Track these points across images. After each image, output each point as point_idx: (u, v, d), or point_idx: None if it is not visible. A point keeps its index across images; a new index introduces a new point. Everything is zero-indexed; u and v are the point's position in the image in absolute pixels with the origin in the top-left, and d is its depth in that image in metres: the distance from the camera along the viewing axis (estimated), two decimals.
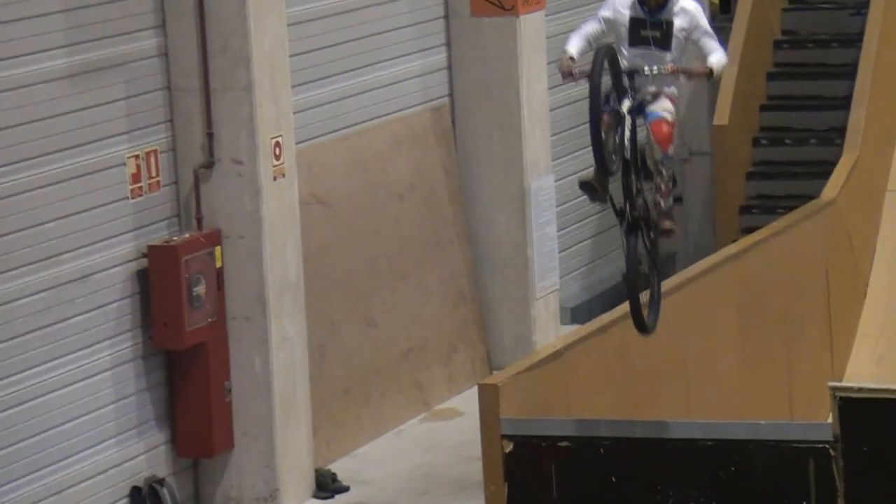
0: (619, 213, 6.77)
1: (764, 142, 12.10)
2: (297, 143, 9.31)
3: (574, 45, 6.98)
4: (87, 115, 8.48)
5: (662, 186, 6.90)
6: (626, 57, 6.94)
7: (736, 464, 7.07)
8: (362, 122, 10.27)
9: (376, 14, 10.29)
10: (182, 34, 8.86)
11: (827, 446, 6.91)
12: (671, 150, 6.89)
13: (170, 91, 8.92)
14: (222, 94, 8.92)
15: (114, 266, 8.62)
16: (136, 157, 8.75)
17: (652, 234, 6.93)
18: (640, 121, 6.93)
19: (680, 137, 12.74)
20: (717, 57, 6.96)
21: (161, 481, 8.66)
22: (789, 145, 12.05)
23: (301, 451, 9.13)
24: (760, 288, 9.54)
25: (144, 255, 8.71)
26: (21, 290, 8.16)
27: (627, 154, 6.81)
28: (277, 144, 9.06)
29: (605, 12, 7.02)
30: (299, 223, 9.23)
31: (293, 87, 9.30)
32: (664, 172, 6.89)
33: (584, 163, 12.32)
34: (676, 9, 6.94)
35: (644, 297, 7.02)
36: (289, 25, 9.24)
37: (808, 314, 10.00)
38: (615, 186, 6.92)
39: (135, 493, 8.59)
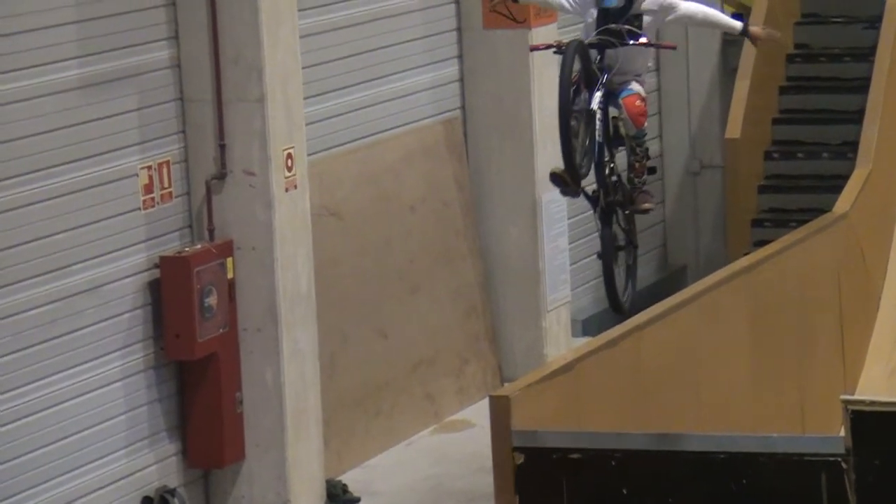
0: (592, 200, 6.70)
1: (776, 155, 12.09)
2: (308, 155, 9.32)
3: None
4: (99, 126, 8.50)
5: (636, 164, 6.78)
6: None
7: (747, 477, 7.05)
8: (374, 134, 10.28)
9: (388, 26, 10.31)
10: (195, 45, 8.88)
11: (839, 459, 6.89)
12: (645, 125, 6.74)
13: (182, 102, 8.94)
14: (235, 106, 8.93)
15: (125, 277, 8.63)
16: (149, 168, 8.76)
17: (627, 212, 6.84)
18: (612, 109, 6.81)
19: (692, 149, 12.80)
20: (714, 14, 6.77)
21: (172, 492, 8.66)
22: (801, 159, 12.04)
23: (312, 462, 9.13)
24: (772, 301, 9.53)
25: (156, 266, 8.72)
26: (32, 300, 8.17)
27: (604, 153, 6.71)
28: (289, 156, 9.08)
29: None
30: (311, 235, 9.24)
31: (305, 98, 9.32)
32: (638, 150, 6.76)
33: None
34: (645, 5, 6.73)
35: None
36: (301, 37, 9.26)
37: (821, 327, 9.98)
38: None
39: (146, 503, 8.59)
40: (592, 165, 6.61)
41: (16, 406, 8.06)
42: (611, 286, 6.64)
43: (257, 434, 8.96)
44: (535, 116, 10.78)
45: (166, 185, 8.85)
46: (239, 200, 8.96)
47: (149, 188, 8.75)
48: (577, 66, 6.54)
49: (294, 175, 9.09)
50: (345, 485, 9.31)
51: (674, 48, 6.99)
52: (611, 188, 6.67)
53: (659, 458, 7.16)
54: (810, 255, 9.98)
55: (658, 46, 6.78)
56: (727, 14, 6.93)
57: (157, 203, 8.79)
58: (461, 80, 10.89)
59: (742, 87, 11.73)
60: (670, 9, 6.75)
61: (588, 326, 11.38)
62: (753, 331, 9.32)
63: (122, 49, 8.58)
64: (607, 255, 6.61)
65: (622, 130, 6.71)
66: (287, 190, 9.05)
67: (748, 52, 11.78)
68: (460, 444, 9.86)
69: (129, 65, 8.64)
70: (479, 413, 9.85)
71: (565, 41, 6.79)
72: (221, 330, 8.79)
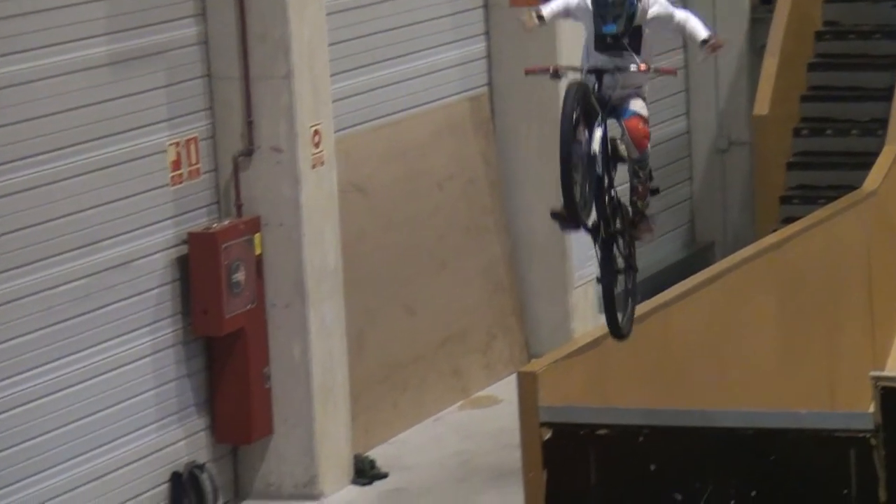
0: (593, 231, 6.53)
1: (805, 132, 12.02)
2: (336, 132, 9.32)
3: (547, 11, 6.50)
4: (127, 102, 8.52)
5: (640, 187, 6.60)
6: (592, 59, 6.51)
7: (776, 453, 7.04)
8: (401, 110, 10.27)
9: (415, 3, 10.29)
10: (222, 23, 8.88)
11: (868, 435, 6.87)
12: (648, 147, 6.54)
13: (210, 79, 8.95)
14: (262, 83, 8.94)
15: (154, 253, 8.65)
16: (177, 144, 8.78)
17: (628, 239, 6.59)
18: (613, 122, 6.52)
19: (719, 126, 12.74)
20: (698, 26, 6.51)
21: (201, 467, 8.70)
22: (830, 136, 11.98)
23: (340, 437, 9.15)
24: (801, 278, 9.49)
25: (184, 242, 8.75)
26: (62, 276, 8.20)
27: (608, 209, 6.44)
28: (316, 132, 9.08)
29: (571, 3, 6.55)
30: (338, 211, 9.25)
31: (332, 75, 9.32)
32: (640, 173, 6.58)
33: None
34: (647, 18, 6.47)
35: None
36: (328, 14, 9.25)
37: (850, 304, 9.94)
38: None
39: (175, 478, 8.63)
40: (594, 203, 6.43)
41: (47, 381, 8.11)
42: (611, 311, 6.52)
43: (285, 410, 8.99)
44: (561, 91, 10.73)
45: (194, 161, 8.86)
46: (266, 177, 8.97)
47: (177, 164, 8.77)
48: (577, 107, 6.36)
49: (321, 151, 9.10)
50: (373, 460, 9.33)
51: (674, 74, 6.68)
52: (611, 218, 6.52)
53: (686, 435, 7.16)
54: (839, 232, 9.94)
55: (658, 73, 6.50)
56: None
57: (185, 179, 8.82)
58: (488, 56, 10.87)
59: (770, 64, 11.67)
60: (668, 19, 6.53)
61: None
62: (782, 307, 9.29)
63: (150, 26, 8.59)
64: (608, 281, 6.48)
65: (621, 151, 6.52)
66: (314, 166, 9.05)
67: (777, 29, 11.72)
68: (488, 420, 9.87)
69: (157, 42, 8.65)
70: (506, 389, 9.86)
71: (563, 65, 6.57)
72: (249, 306, 8.81)
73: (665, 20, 6.54)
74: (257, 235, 8.93)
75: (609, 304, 6.56)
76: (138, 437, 8.50)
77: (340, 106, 9.58)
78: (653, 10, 6.49)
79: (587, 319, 10.85)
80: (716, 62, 12.61)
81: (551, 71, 6.52)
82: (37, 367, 8.05)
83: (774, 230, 10.42)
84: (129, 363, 8.49)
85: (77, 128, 8.27)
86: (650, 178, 6.67)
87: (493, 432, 9.60)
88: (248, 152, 8.95)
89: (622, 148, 6.52)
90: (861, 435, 6.88)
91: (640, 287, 8.53)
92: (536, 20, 6.51)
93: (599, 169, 6.39)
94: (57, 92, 8.17)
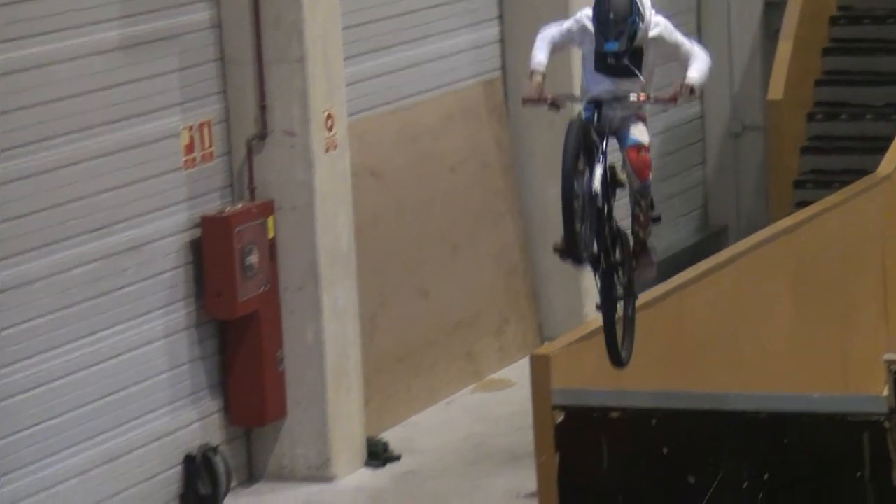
0: (593, 261, 6.38)
1: (819, 116, 12.00)
2: (349, 116, 9.32)
3: (542, 54, 6.23)
4: (141, 86, 8.53)
5: (641, 216, 6.48)
6: (591, 81, 6.35)
7: (789, 436, 7.03)
8: (414, 94, 10.27)
9: None
10: (236, 6, 8.88)
11: (882, 419, 6.86)
12: (650, 177, 6.40)
13: (223, 63, 8.96)
14: (275, 66, 8.94)
15: (167, 236, 8.67)
16: (190, 128, 8.79)
17: (627, 269, 6.48)
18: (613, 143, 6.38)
19: (733, 110, 12.69)
20: (697, 67, 6.32)
21: (214, 449, 8.72)
22: (845, 120, 11.95)
23: (353, 420, 9.17)
24: (815, 262, 9.48)
25: (198, 226, 8.76)
26: (75, 259, 8.22)
27: (607, 244, 6.33)
28: (329, 116, 9.08)
29: (572, 27, 6.34)
30: (351, 194, 9.26)
31: (346, 59, 9.31)
32: (642, 202, 6.46)
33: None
34: (648, 38, 6.26)
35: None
36: None
37: (863, 288, 9.93)
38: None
39: (188, 461, 8.65)
40: (595, 239, 6.36)
41: (60, 363, 8.13)
42: (611, 339, 6.48)
43: (298, 392, 9.00)
44: (574, 76, 10.71)
45: (207, 145, 8.87)
46: (279, 160, 8.98)
47: (190, 148, 8.78)
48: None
49: (334, 135, 9.10)
50: (385, 443, 9.34)
51: (674, 103, 6.35)
52: (611, 249, 6.41)
53: (699, 418, 7.15)
54: (853, 216, 9.92)
55: (658, 102, 6.30)
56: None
57: (199, 163, 8.82)
58: (501, 41, 10.85)
59: (785, 48, 11.64)
60: (672, 47, 6.32)
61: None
62: (795, 291, 9.28)
63: (164, 10, 8.60)
64: (608, 310, 6.43)
65: (621, 178, 6.37)
66: (327, 150, 9.06)
67: (791, 14, 11.69)
68: (501, 403, 9.88)
69: (170, 25, 8.65)
70: (519, 372, 9.87)
71: (561, 95, 6.35)
72: (262, 289, 8.82)
73: (668, 46, 6.36)
74: (270, 219, 8.94)
75: (609, 332, 6.51)
76: (151, 420, 8.53)
77: (354, 90, 9.57)
78: (654, 31, 6.33)
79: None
80: (730, 48, 12.57)
81: (549, 101, 6.34)
82: (50, 349, 8.08)
83: (788, 214, 10.41)
84: (143, 346, 8.51)
85: (90, 111, 8.28)
86: (652, 206, 6.56)
87: (505, 415, 9.61)
88: (262, 136, 8.96)
89: (622, 176, 6.43)
90: (875, 418, 6.87)
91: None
92: (541, 81, 6.28)
93: (600, 204, 6.28)
94: (70, 75, 8.18)
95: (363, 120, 9.80)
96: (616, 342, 6.50)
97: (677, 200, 12.46)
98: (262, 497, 8.85)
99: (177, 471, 8.62)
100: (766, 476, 7.04)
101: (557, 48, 6.42)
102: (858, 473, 6.93)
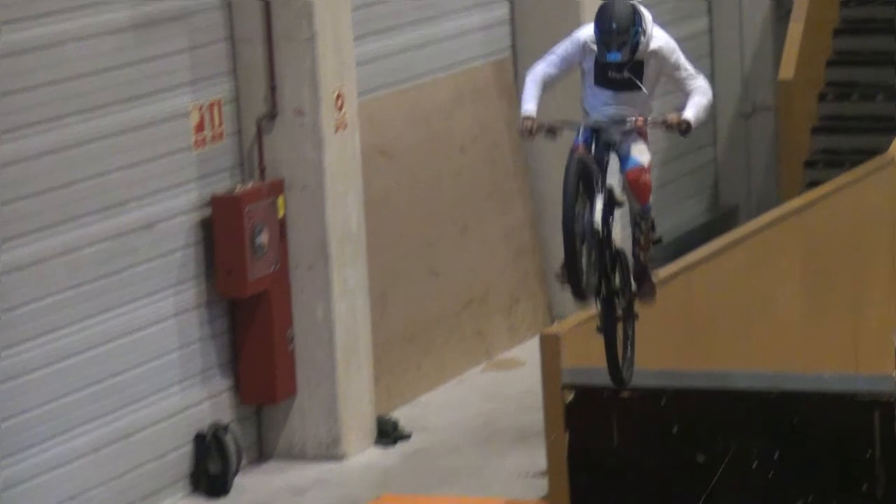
0: (596, 290, 6.36)
1: (829, 97, 11.98)
2: (359, 96, 9.32)
3: (532, 102, 6.33)
4: (151, 65, 8.53)
5: (641, 240, 6.49)
6: (591, 96, 6.38)
7: (799, 416, 7.04)
8: (424, 74, 10.26)
9: None
10: None
11: (891, 399, 6.87)
12: (650, 200, 6.42)
13: (233, 42, 8.95)
14: (285, 46, 8.94)
15: (178, 215, 8.68)
16: (200, 107, 8.79)
17: (627, 291, 6.47)
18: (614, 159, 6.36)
19: (744, 90, 12.65)
20: (695, 104, 6.32)
21: (225, 428, 8.74)
22: (855, 101, 11.93)
23: (363, 398, 9.19)
24: (825, 241, 9.47)
25: (208, 205, 8.77)
26: (87, 238, 8.24)
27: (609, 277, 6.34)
28: (339, 96, 9.08)
29: (568, 48, 6.35)
30: (361, 174, 9.26)
31: (356, 39, 9.30)
32: (643, 224, 6.47)
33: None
34: (648, 50, 6.26)
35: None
36: None
37: (874, 268, 9.92)
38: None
39: (199, 439, 8.67)
40: (596, 269, 6.34)
41: (71, 341, 8.14)
42: (613, 360, 6.48)
43: (308, 371, 9.02)
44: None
45: (217, 124, 8.87)
46: (289, 140, 8.98)
47: (200, 127, 8.78)
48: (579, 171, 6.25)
49: (344, 115, 9.09)
50: (396, 422, 9.36)
51: (675, 131, 6.29)
52: (611, 273, 6.37)
53: (709, 397, 7.17)
54: (864, 196, 9.91)
55: (655, 125, 6.29)
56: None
57: (209, 142, 8.83)
58: (511, 20, 10.83)
59: (796, 28, 11.62)
60: (672, 67, 6.31)
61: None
62: (805, 271, 9.28)
63: None
64: (609, 331, 6.44)
65: (619, 198, 6.32)
66: (337, 130, 9.06)
67: None
68: (511, 382, 9.89)
69: (180, 5, 8.65)
70: (529, 351, 9.87)
71: (558, 122, 6.39)
72: (272, 268, 8.83)
73: (668, 64, 6.34)
74: (281, 198, 8.94)
75: (610, 353, 6.52)
76: (162, 398, 8.54)
77: (364, 70, 9.57)
78: (654, 44, 6.32)
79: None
80: (741, 28, 12.54)
81: (546, 128, 6.38)
82: (62, 327, 8.09)
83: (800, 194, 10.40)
84: (154, 324, 8.52)
85: (101, 91, 8.28)
86: (653, 228, 6.55)
87: (515, 394, 9.62)
88: (272, 115, 8.96)
89: (622, 197, 6.37)
90: (885, 398, 6.87)
91: (665, 250, 8.44)
92: (531, 123, 6.34)
93: (601, 237, 6.27)
94: (81, 55, 8.18)
95: (373, 100, 9.79)
96: (617, 362, 6.52)
97: (688, 180, 12.45)
98: (272, 475, 8.87)
99: (187, 449, 8.64)
100: (775, 455, 7.05)
101: (551, 81, 6.47)
102: (868, 452, 6.95)
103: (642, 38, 6.26)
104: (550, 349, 7.33)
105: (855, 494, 6.96)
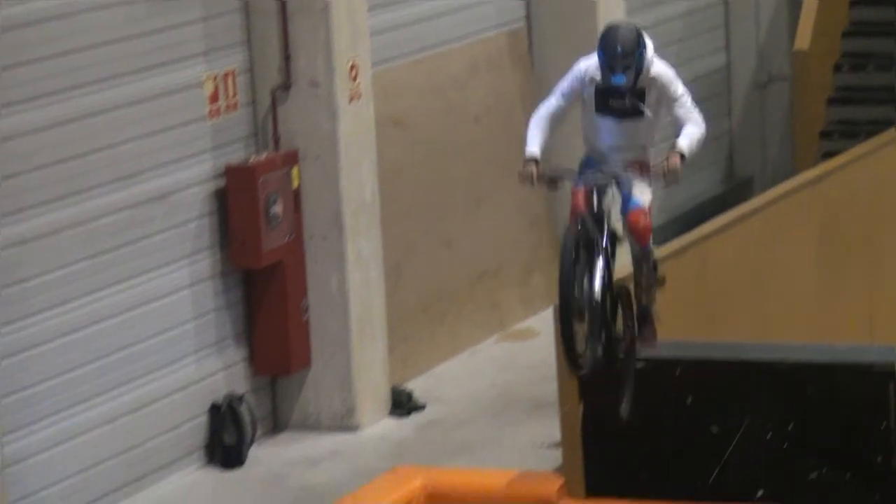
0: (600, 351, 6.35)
1: (845, 67, 11.93)
2: (373, 66, 9.29)
3: (536, 144, 6.33)
4: (165, 35, 8.51)
5: (643, 281, 6.49)
6: (593, 129, 6.37)
7: (814, 386, 7.03)
8: (438, 45, 10.23)
9: None
10: None
11: None
12: (651, 241, 6.42)
13: (247, 13, 8.93)
14: (299, 16, 8.91)
15: (192, 185, 8.68)
16: (215, 77, 8.78)
17: (629, 335, 6.46)
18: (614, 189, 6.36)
19: (759, 61, 12.60)
20: (688, 133, 6.31)
21: (240, 398, 8.75)
22: (871, 71, 11.88)
23: (377, 369, 9.20)
24: (840, 212, 9.44)
25: (222, 175, 8.76)
26: (101, 208, 8.24)
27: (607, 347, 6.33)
28: (353, 66, 9.06)
29: (570, 84, 6.40)
30: (375, 144, 9.24)
31: (369, 9, 9.27)
32: (644, 266, 6.47)
33: None
34: (649, 76, 6.26)
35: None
36: None
37: (889, 238, 9.88)
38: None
39: (213, 410, 8.69)
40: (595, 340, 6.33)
41: (86, 312, 8.15)
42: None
43: (323, 341, 9.03)
44: (599, 26, 10.66)
45: (232, 94, 8.86)
46: (303, 110, 8.97)
47: (214, 98, 8.77)
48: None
49: (358, 85, 9.08)
50: (410, 392, 9.37)
51: (676, 181, 6.31)
52: (612, 323, 6.35)
53: (724, 368, 7.15)
54: (879, 166, 9.87)
55: (658, 176, 6.27)
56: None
57: (223, 113, 8.82)
58: None
59: (811, 0, 11.57)
60: (670, 98, 6.31)
61: (654, 236, 11.31)
62: (821, 241, 9.25)
63: None
64: (608, 366, 6.46)
65: (618, 233, 6.33)
66: (351, 100, 9.04)
67: None
68: (525, 353, 9.90)
69: None
70: (543, 322, 9.87)
71: (558, 171, 6.39)
72: (287, 238, 8.83)
73: (668, 94, 6.31)
74: (295, 168, 8.94)
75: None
76: (177, 369, 8.55)
77: (378, 40, 9.54)
78: (655, 70, 6.30)
79: (624, 254, 10.80)
80: None
81: (548, 178, 6.36)
82: (76, 298, 8.10)
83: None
84: (168, 295, 8.53)
85: (115, 61, 8.27)
86: (655, 268, 6.50)
87: (530, 365, 9.62)
88: (286, 86, 8.95)
89: (620, 232, 6.33)
90: None
91: (679, 221, 8.42)
92: (535, 167, 6.30)
93: (601, 308, 6.22)
94: (95, 25, 8.16)
95: (387, 70, 9.77)
96: (618, 398, 6.50)
97: (703, 151, 12.35)
98: (286, 446, 8.89)
99: (202, 420, 8.66)
100: (790, 426, 7.04)
101: (557, 119, 6.46)
102: (884, 424, 6.93)
103: (645, 63, 6.24)
104: None
105: (869, 466, 6.95)
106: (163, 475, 8.38)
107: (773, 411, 7.06)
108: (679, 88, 6.39)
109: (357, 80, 9.08)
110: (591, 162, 6.50)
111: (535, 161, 6.37)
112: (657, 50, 6.47)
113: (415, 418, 9.19)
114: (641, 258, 6.48)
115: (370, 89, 9.18)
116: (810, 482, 6.96)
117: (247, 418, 8.69)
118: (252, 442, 8.73)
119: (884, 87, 11.81)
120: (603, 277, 6.27)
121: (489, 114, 10.50)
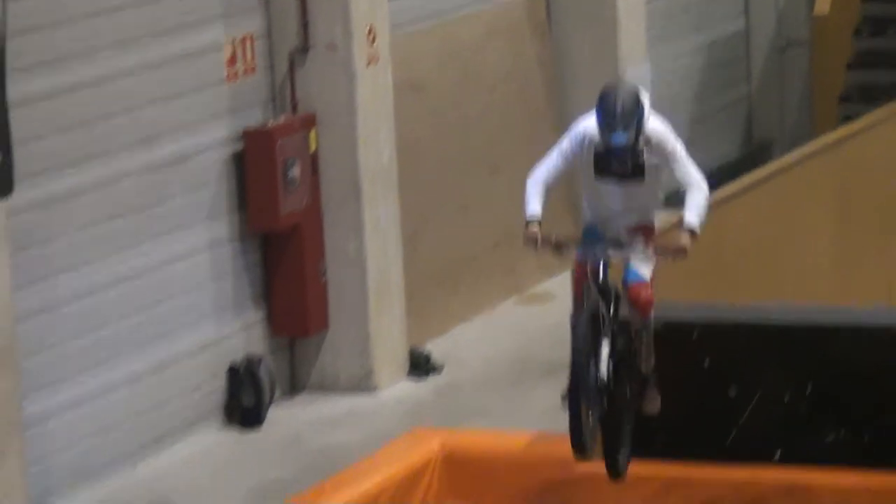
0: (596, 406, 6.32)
1: (864, 32, 11.88)
2: (390, 31, 9.28)
3: (536, 204, 6.29)
4: (184, 0, 8.51)
5: (643, 351, 6.46)
6: (593, 196, 6.32)
7: (832, 349, 7.03)
8: (456, 10, 10.21)
9: None
10: None
11: None
12: (652, 315, 6.37)
13: None
14: None
15: (210, 149, 8.69)
16: (233, 41, 8.78)
17: (628, 388, 6.44)
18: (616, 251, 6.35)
19: (778, 25, 12.56)
20: (693, 205, 6.23)
21: (258, 360, 8.79)
22: (891, 36, 11.83)
23: (395, 333, 9.22)
24: (859, 177, 9.42)
25: (240, 139, 8.78)
26: (121, 171, 8.26)
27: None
28: (371, 31, 9.05)
29: (569, 146, 6.32)
30: (392, 110, 9.24)
31: None
32: (644, 337, 6.43)
33: (681, 52, 12.15)
34: (647, 133, 6.18)
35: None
36: None
37: None
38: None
39: (232, 372, 8.73)
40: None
41: (106, 275, 8.19)
42: (610, 451, 6.52)
43: (341, 304, 9.05)
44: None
45: (250, 58, 8.87)
46: (321, 75, 8.97)
47: (232, 62, 8.78)
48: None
49: (376, 49, 9.07)
50: (428, 355, 9.39)
51: (683, 256, 6.22)
52: (613, 388, 6.35)
53: (742, 330, 7.15)
54: None
55: (665, 253, 6.24)
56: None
57: (241, 76, 8.82)
58: None
59: None
60: (667, 158, 6.22)
61: (669, 201, 11.31)
62: (839, 207, 9.23)
63: None
64: (608, 420, 6.43)
65: (619, 294, 6.32)
66: (369, 64, 9.04)
67: None
68: (542, 316, 9.91)
69: None
70: (560, 286, 9.86)
71: (565, 238, 6.35)
72: (304, 202, 8.85)
73: (665, 152, 6.22)
74: (312, 132, 8.95)
75: (609, 445, 6.49)
76: (196, 331, 8.59)
77: (395, 5, 9.52)
78: (652, 126, 6.21)
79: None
80: None
81: (553, 243, 6.31)
82: (96, 260, 8.14)
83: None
84: (187, 257, 8.56)
85: (134, 24, 8.28)
86: (653, 342, 6.50)
87: (547, 328, 9.63)
88: (304, 50, 8.95)
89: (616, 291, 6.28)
90: None
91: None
92: (538, 229, 6.26)
93: (609, 387, 6.19)
94: None
95: (405, 35, 9.76)
96: (616, 456, 6.46)
97: (722, 115, 12.38)
98: (305, 408, 8.93)
99: (221, 381, 8.70)
100: (808, 389, 7.04)
101: (555, 181, 6.41)
102: None
103: (645, 122, 6.15)
104: None
105: (887, 428, 6.95)
106: (182, 436, 8.43)
107: (791, 374, 7.06)
108: (676, 147, 6.27)
109: (375, 44, 9.07)
110: (594, 229, 6.42)
111: (538, 223, 6.31)
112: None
113: (432, 381, 9.22)
114: (642, 328, 6.45)
115: (388, 54, 9.18)
116: (828, 444, 6.96)
117: (265, 380, 8.72)
118: (270, 403, 8.77)
119: None
120: (609, 357, 6.24)
121: (506, 81, 10.49)
